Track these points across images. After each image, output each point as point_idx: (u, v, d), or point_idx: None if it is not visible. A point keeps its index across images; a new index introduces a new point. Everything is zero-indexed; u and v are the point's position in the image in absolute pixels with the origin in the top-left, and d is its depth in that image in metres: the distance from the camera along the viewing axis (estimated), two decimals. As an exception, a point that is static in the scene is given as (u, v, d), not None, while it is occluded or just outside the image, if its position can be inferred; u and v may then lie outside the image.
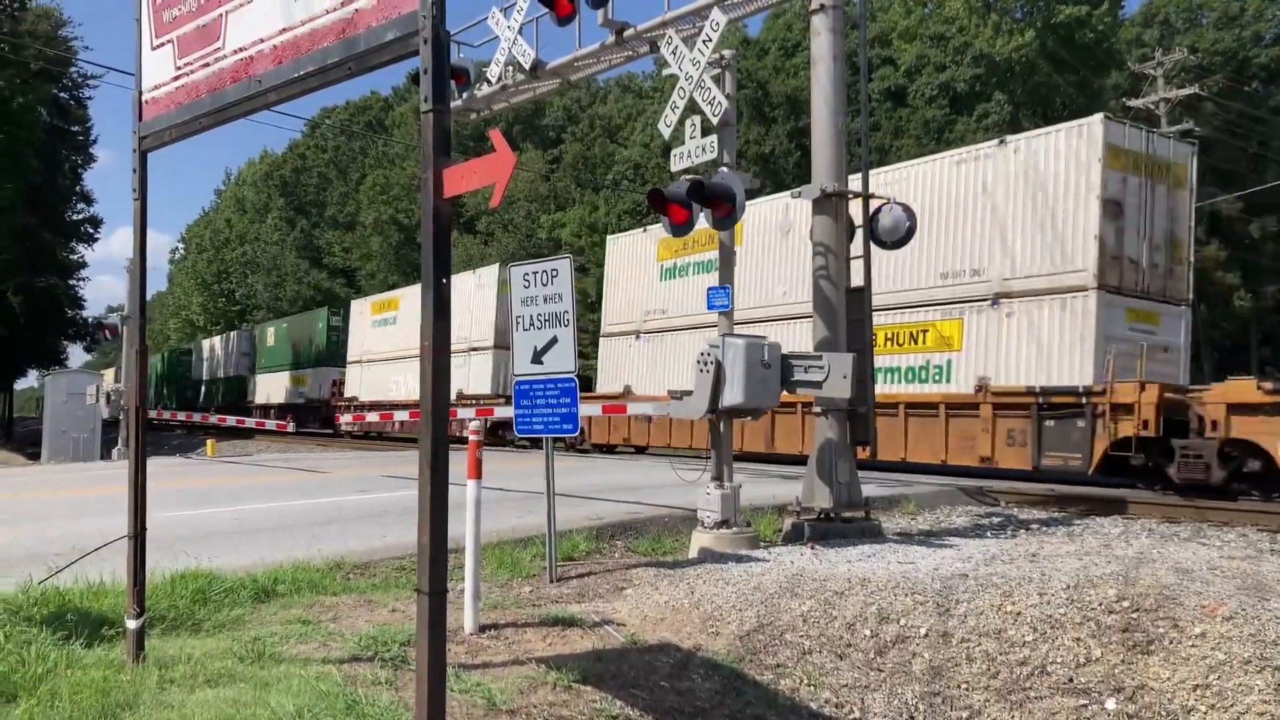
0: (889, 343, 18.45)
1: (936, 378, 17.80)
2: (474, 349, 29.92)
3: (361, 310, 37.68)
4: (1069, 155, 16.03)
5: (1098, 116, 16.02)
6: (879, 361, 16.69)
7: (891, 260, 16.41)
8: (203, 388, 57.39)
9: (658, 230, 24.18)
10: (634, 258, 25.91)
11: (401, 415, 23.52)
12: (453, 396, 34.25)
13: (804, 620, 6.86)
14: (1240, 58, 49.68)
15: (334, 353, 39.79)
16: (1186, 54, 40.56)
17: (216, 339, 59.90)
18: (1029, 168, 16.47)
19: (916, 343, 18.18)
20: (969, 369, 17.19)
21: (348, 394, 36.77)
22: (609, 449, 25.78)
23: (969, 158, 17.69)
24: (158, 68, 5.08)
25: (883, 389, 17.26)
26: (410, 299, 33.22)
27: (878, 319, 13.44)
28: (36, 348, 51.16)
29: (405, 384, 32.39)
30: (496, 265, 30.74)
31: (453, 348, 25.66)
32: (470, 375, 29.82)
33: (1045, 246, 16.23)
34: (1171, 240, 16.92)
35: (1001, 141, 17.30)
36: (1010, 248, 16.76)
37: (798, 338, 18.10)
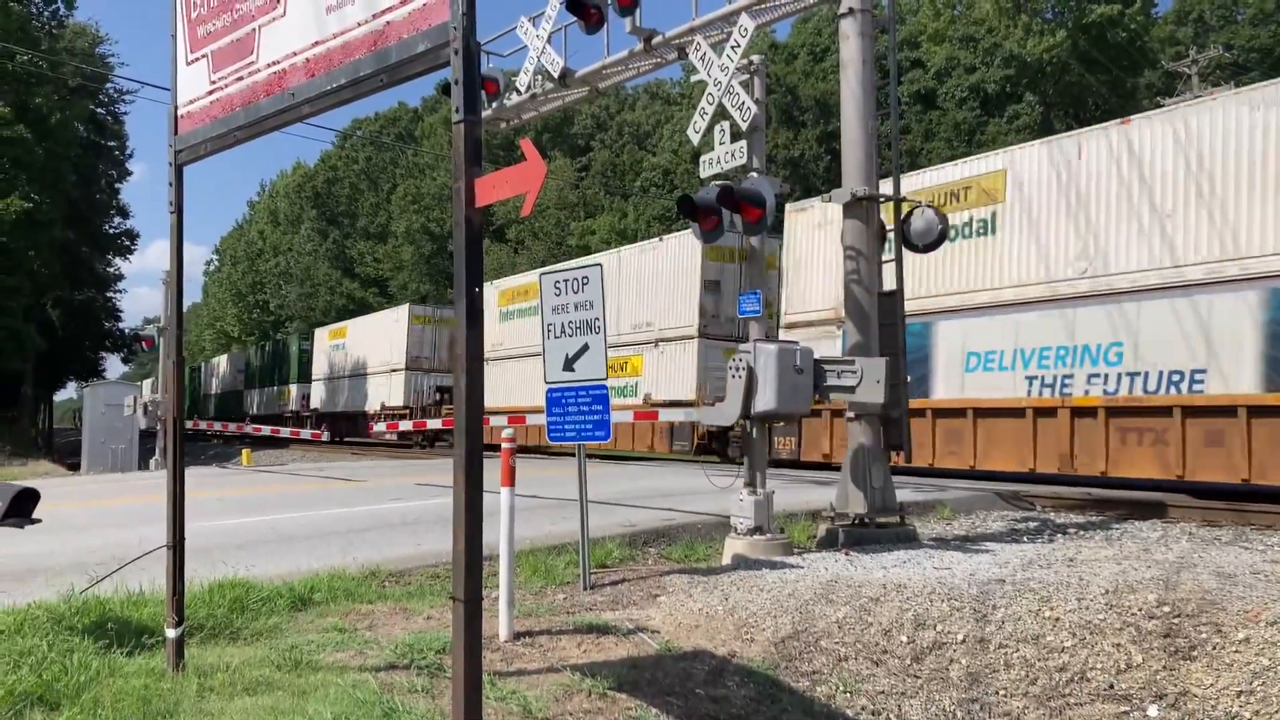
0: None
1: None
2: (393, 370, 37.84)
3: (321, 337, 45.88)
4: (681, 252, 24.08)
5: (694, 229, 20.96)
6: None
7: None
8: (211, 400, 63.61)
9: (502, 283, 33.00)
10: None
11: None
12: (376, 407, 37.06)
13: (839, 627, 6.83)
14: (1277, 54, 49.02)
15: (304, 371, 47.39)
16: (1222, 52, 40.09)
17: (223, 357, 65.64)
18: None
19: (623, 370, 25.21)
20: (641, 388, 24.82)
21: (311, 405, 44.75)
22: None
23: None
24: (193, 82, 5.14)
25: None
26: (355, 329, 42.57)
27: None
28: (75, 359, 51.97)
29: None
30: (406, 305, 39.60)
31: (376, 369, 35.17)
32: (390, 390, 37.86)
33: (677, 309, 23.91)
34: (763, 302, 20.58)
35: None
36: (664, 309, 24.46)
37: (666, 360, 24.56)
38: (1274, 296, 13.24)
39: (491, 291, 32.61)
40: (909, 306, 11.29)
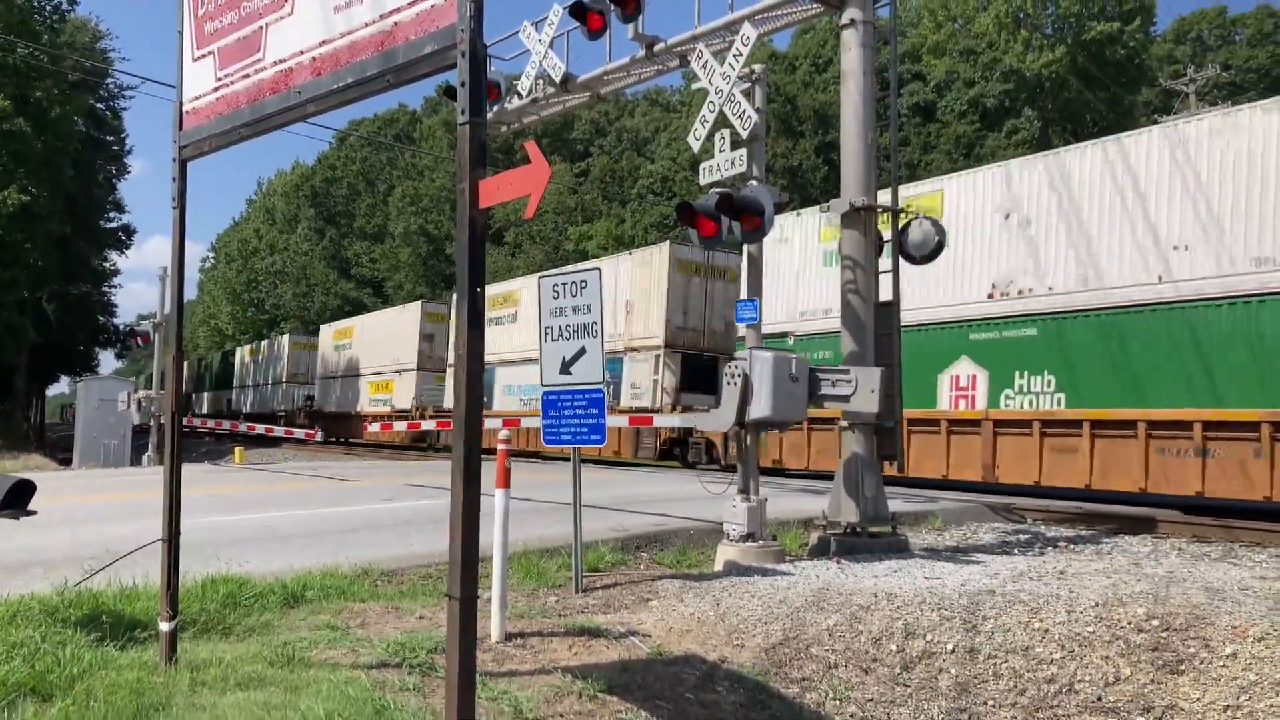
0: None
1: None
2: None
3: (325, 335, 46.32)
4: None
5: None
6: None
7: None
8: (194, 398, 66.05)
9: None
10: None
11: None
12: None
13: (830, 634, 6.85)
14: (1274, 75, 49.31)
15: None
16: (1219, 71, 40.29)
17: (213, 358, 67.81)
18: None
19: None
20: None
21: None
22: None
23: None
24: (199, 79, 5.17)
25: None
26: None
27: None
28: (68, 354, 51.86)
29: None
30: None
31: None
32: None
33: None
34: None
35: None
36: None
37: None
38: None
39: (330, 330, 39.05)
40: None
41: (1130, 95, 48.17)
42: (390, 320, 39.79)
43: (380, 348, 38.98)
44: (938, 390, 17.40)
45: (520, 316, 29.59)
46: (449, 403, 31.93)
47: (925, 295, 17.19)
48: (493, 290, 31.17)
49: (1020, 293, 16.31)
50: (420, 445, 37.64)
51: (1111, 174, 15.20)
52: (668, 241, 25.33)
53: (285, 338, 51.18)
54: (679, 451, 23.26)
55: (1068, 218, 15.57)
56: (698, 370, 24.16)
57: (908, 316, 15.37)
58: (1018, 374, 16.25)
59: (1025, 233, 16.20)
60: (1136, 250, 14.88)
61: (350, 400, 40.87)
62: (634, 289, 25.57)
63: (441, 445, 33.54)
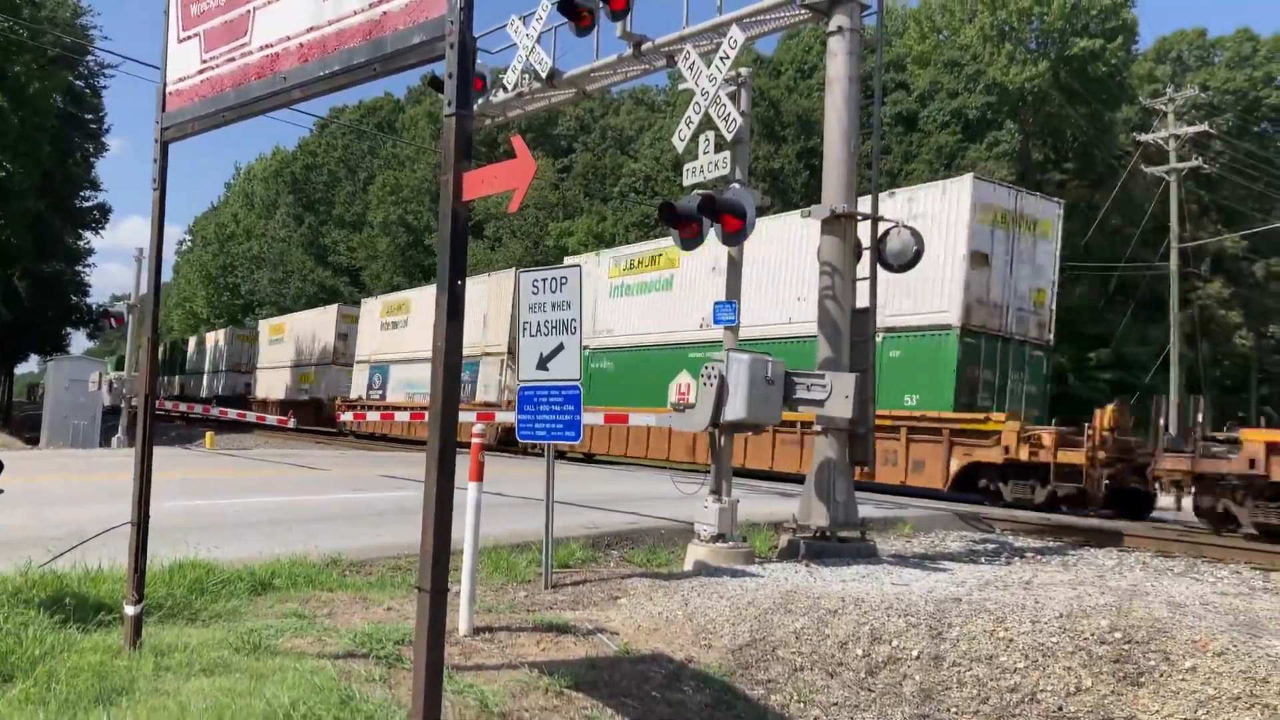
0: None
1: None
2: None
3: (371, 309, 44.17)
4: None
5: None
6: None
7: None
8: (164, 380, 67.04)
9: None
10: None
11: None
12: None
13: (796, 637, 6.89)
14: (1251, 98, 49.92)
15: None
16: (1198, 92, 40.71)
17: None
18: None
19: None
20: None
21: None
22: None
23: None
24: (183, 60, 5.13)
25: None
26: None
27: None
28: (39, 333, 51.24)
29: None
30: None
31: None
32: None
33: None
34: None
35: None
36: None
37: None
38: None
39: (377, 304, 39.03)
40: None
41: (1110, 112, 48.56)
42: (313, 320, 44.62)
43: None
44: (669, 392, 23.30)
45: (411, 322, 34.73)
46: (356, 392, 37.83)
47: (662, 324, 24.44)
48: (390, 299, 38.46)
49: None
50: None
51: (773, 243, 20.58)
52: (514, 269, 30.33)
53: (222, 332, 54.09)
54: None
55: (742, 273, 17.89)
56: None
57: (656, 339, 24.58)
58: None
59: (719, 281, 19.26)
60: (775, 300, 20.76)
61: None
62: (490, 306, 30.24)
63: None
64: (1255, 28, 57.58)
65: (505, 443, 26.43)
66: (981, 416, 17.41)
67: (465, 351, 27.74)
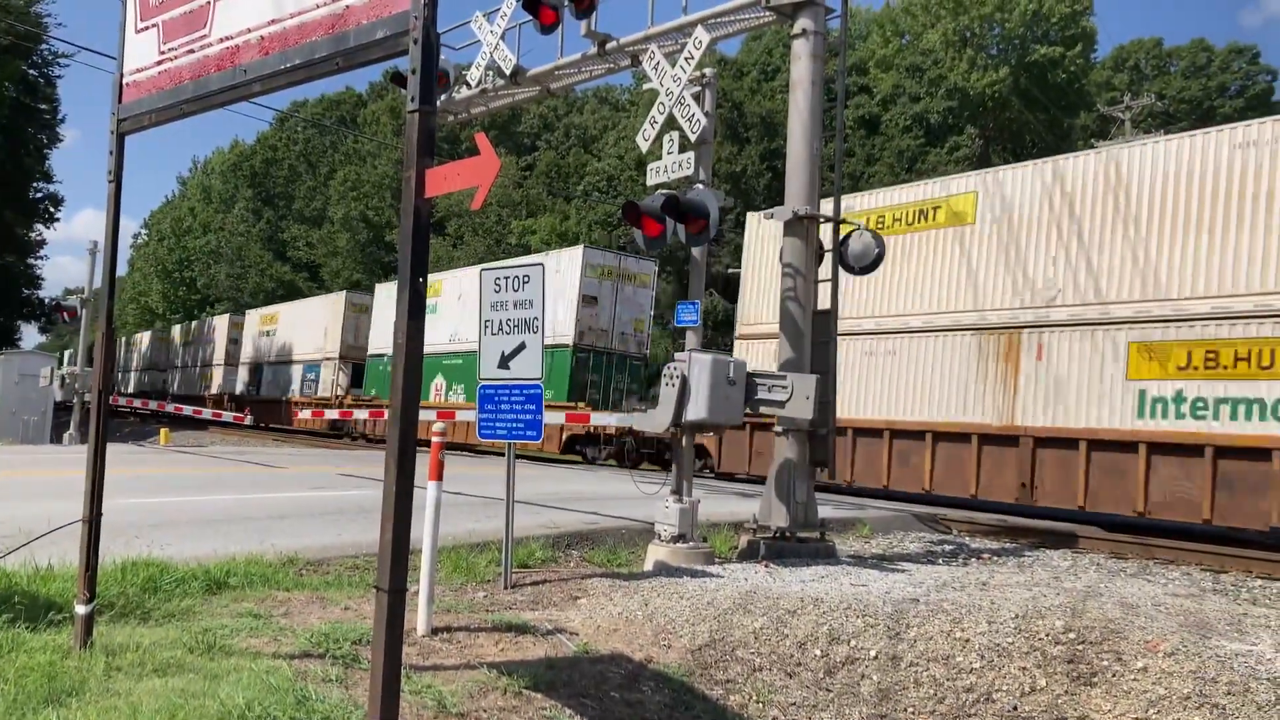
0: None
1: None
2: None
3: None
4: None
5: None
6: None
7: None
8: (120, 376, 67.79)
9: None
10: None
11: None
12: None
13: (755, 637, 6.91)
14: (1205, 107, 50.83)
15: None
16: (1154, 100, 41.39)
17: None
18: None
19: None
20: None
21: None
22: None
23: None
24: (141, 51, 5.05)
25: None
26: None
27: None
28: (-12, 326, 50.29)
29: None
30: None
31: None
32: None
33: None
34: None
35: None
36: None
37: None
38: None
39: (255, 315, 43.31)
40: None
41: (1069, 119, 49.30)
42: (315, 308, 42.04)
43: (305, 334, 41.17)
44: (429, 390, 28.96)
45: (441, 307, 37.32)
46: (322, 392, 37.95)
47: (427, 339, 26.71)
48: (266, 311, 43.09)
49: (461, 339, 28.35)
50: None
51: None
52: (345, 292, 38.63)
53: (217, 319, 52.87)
54: (579, 447, 26.70)
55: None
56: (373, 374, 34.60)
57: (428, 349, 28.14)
58: (455, 383, 28.89)
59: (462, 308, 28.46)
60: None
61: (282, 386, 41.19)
62: (329, 320, 37.09)
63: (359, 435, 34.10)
64: (1210, 38, 58.54)
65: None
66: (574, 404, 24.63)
67: (310, 356, 34.63)
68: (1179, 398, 13.98)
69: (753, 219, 21.87)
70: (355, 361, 35.42)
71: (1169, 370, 14.12)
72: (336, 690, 4.87)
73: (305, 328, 38.66)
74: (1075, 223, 15.53)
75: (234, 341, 45.84)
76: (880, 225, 17.95)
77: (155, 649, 5.18)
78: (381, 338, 32.99)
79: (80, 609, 5.06)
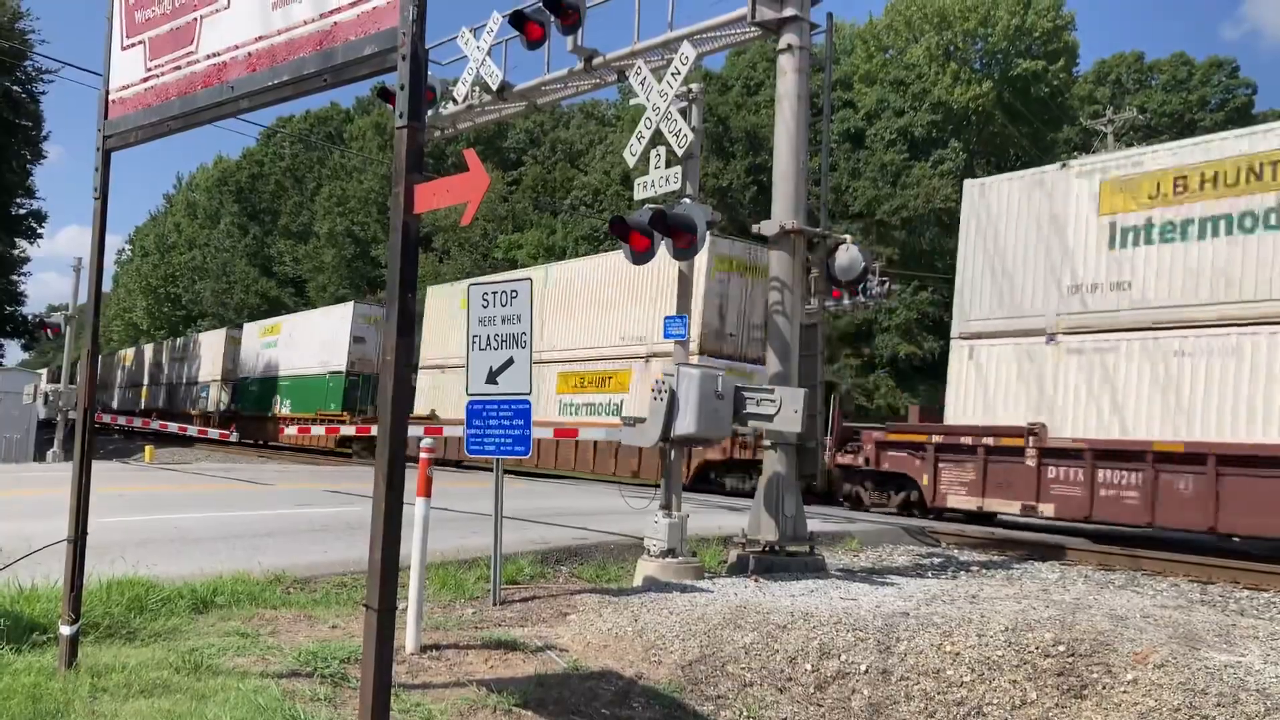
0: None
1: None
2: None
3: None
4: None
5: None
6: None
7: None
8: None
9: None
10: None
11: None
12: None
13: (746, 652, 6.89)
14: (1186, 120, 51.23)
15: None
16: (1136, 114, 41.71)
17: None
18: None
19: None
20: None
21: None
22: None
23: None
24: (127, 68, 5.04)
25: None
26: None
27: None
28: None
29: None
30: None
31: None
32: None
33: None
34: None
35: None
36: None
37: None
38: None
39: (255, 327, 42.96)
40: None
41: (1052, 132, 49.59)
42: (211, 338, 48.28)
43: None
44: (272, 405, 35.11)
45: (280, 342, 41.14)
46: (209, 407, 43.05)
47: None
48: (269, 322, 43.43)
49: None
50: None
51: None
52: (224, 329, 46.17)
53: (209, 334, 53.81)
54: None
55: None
56: (244, 391, 42.72)
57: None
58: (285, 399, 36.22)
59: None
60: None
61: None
62: (221, 350, 44.47)
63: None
64: (1190, 52, 59.09)
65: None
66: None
67: (203, 378, 38.79)
68: None
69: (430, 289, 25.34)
70: (234, 382, 44.31)
71: None
72: (325, 709, 4.83)
73: (208, 355, 47.22)
74: None
75: (157, 365, 53.69)
76: (1181, 190, 14.83)
77: (141, 669, 5.13)
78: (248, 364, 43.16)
79: (65, 630, 5.01)
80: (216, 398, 44.81)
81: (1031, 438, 15.81)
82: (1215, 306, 14.34)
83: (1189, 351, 14.49)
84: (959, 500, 16.81)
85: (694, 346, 20.09)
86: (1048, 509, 15.52)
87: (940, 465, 17.08)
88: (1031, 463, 15.76)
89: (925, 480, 17.25)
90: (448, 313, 30.52)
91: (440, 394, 30.30)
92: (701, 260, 19.09)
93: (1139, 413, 14.96)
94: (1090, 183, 16.00)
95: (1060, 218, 16.29)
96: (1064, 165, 16.82)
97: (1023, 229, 16.77)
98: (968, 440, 16.75)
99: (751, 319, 22.48)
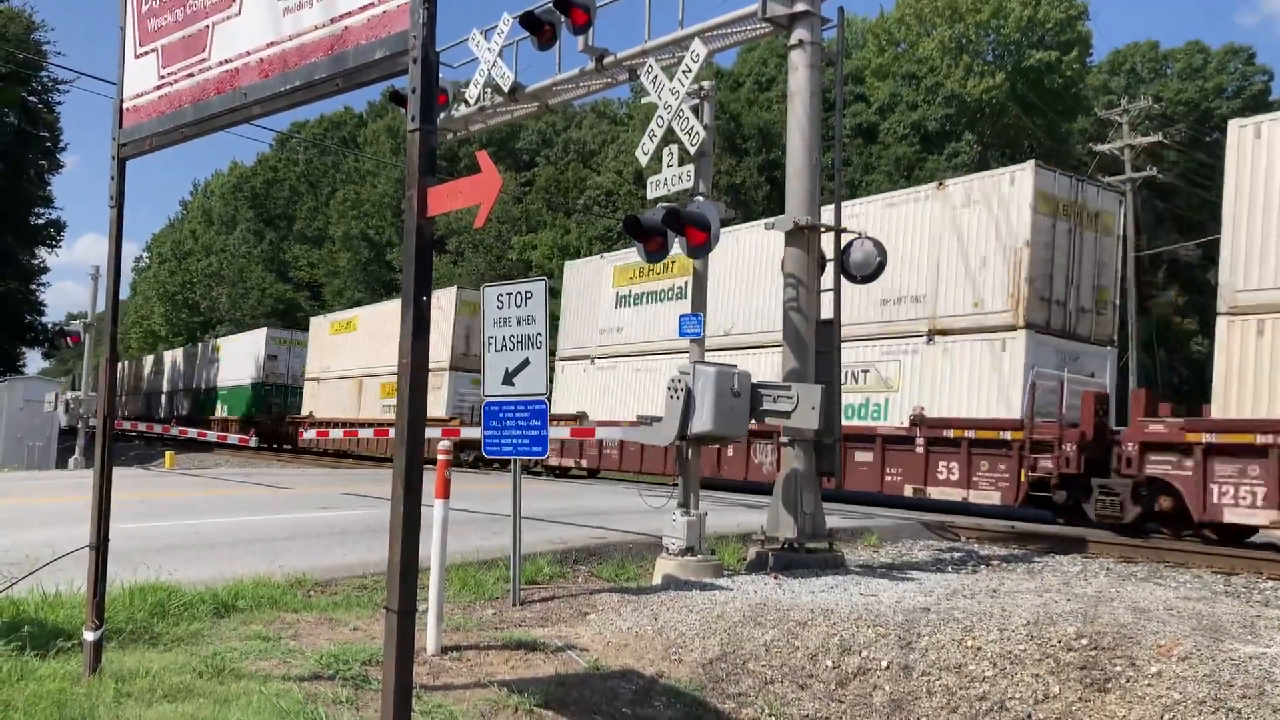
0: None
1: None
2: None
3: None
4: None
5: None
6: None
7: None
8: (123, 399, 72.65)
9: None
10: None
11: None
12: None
13: (766, 650, 6.88)
14: (1202, 108, 50.85)
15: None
16: (1151, 103, 41.40)
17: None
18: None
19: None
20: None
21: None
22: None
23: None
24: (140, 76, 5.06)
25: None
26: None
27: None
28: (-7, 353, 50.35)
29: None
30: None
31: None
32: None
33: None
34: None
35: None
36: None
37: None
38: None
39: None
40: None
41: (1066, 123, 49.30)
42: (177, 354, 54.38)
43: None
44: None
45: (220, 359, 48.34)
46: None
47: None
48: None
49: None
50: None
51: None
52: (182, 348, 53.15)
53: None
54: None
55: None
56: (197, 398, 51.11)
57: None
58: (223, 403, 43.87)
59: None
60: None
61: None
62: (170, 361, 54.14)
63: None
64: (1206, 40, 58.71)
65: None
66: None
67: (166, 389, 45.69)
68: None
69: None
70: (193, 390, 52.41)
71: None
72: (347, 712, 4.85)
73: (168, 369, 56.88)
74: None
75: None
76: None
77: (165, 674, 5.16)
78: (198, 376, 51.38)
79: (89, 635, 5.04)
80: (177, 404, 55.09)
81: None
82: None
83: None
84: (1241, 514, 13.46)
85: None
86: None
87: (1213, 470, 13.73)
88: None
89: (1188, 489, 13.96)
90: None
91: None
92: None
93: None
94: None
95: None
96: None
97: None
98: (1262, 438, 13.20)
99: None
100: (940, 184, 18.43)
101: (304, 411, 38.39)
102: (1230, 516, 13.59)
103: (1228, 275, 14.12)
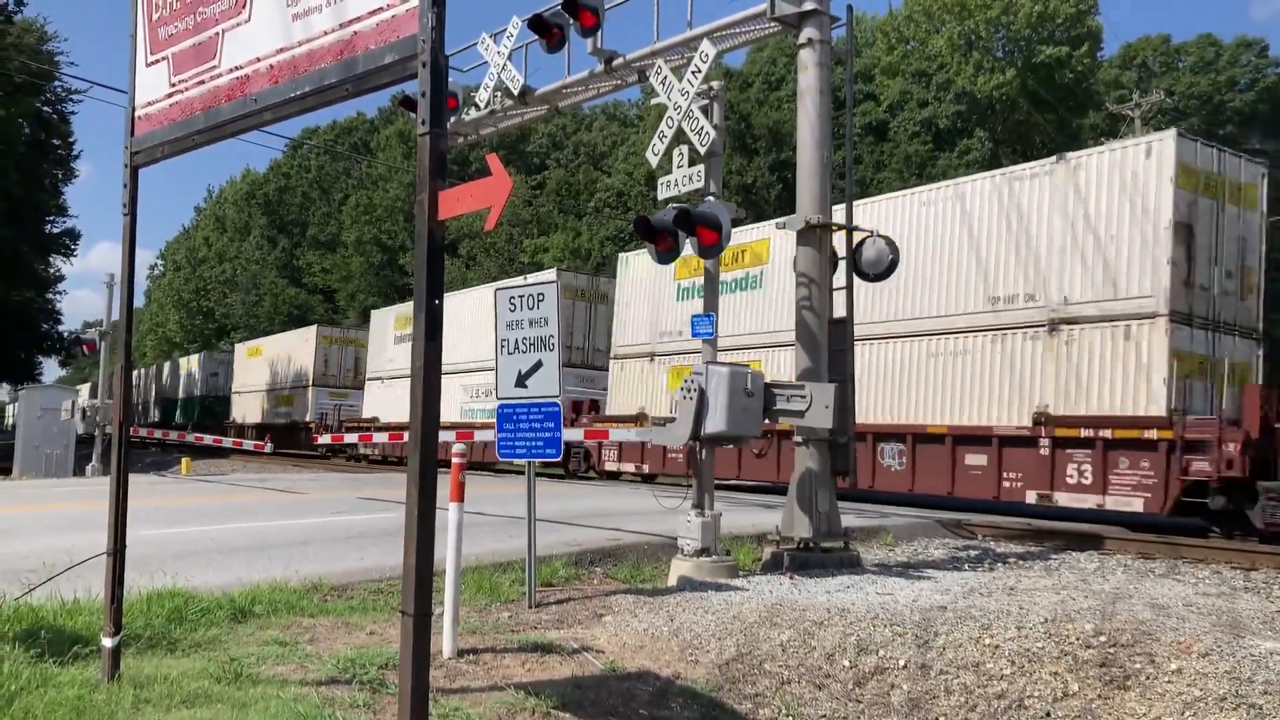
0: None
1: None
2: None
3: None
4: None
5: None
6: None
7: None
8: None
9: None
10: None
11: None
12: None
13: (783, 650, 6.86)
14: (1215, 102, 50.54)
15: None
16: (1163, 97, 41.18)
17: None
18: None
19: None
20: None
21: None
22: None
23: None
24: (152, 84, 5.09)
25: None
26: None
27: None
28: (9, 362, 50.64)
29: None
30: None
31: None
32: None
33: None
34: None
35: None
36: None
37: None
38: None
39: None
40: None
41: (1078, 118, 49.06)
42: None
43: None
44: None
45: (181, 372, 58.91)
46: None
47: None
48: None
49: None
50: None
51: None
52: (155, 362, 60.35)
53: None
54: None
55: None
56: (167, 407, 60.69)
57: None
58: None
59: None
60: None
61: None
62: (150, 374, 64.31)
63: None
64: (1218, 33, 58.27)
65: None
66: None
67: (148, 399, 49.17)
68: None
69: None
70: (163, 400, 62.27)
71: None
72: (364, 716, 4.86)
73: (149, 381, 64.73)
74: None
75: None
76: None
77: (183, 680, 5.18)
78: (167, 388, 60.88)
79: (107, 642, 5.06)
80: (153, 413, 63.80)
81: None
82: None
83: None
84: None
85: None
86: None
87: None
88: None
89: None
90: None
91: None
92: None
93: None
94: None
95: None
96: None
97: None
98: None
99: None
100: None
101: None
102: None
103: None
